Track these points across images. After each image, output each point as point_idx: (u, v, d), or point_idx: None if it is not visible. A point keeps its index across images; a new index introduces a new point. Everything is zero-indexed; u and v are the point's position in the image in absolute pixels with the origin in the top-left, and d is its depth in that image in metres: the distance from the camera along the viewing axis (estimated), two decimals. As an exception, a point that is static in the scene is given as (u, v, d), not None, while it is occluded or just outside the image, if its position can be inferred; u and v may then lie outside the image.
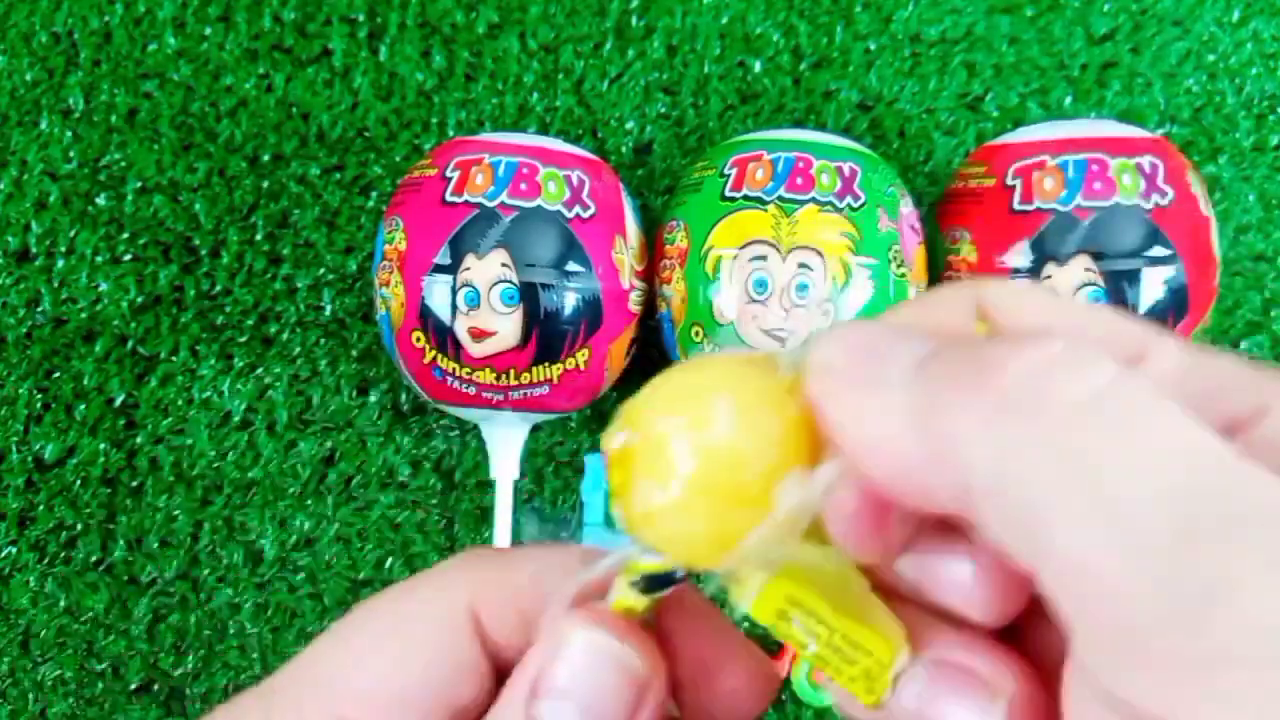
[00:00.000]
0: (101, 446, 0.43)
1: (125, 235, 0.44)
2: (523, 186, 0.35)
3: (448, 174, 0.36)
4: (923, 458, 0.13)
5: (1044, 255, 0.35)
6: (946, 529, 0.15)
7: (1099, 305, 0.16)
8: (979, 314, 0.16)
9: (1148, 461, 0.12)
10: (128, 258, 0.44)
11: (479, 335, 0.35)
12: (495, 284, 0.35)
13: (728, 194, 0.35)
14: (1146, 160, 0.35)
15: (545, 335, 0.35)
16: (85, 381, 0.43)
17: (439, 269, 0.35)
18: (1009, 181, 0.36)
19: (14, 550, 0.42)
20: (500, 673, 0.18)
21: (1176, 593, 0.12)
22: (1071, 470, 0.12)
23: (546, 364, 0.35)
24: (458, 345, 0.35)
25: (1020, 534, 0.13)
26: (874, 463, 0.14)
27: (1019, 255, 0.35)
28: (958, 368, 0.13)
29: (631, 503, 0.16)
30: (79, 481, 0.43)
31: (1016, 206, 0.35)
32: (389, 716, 0.17)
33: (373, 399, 0.43)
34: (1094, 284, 0.34)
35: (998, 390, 0.13)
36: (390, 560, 0.42)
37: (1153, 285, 0.34)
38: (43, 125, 0.45)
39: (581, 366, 0.36)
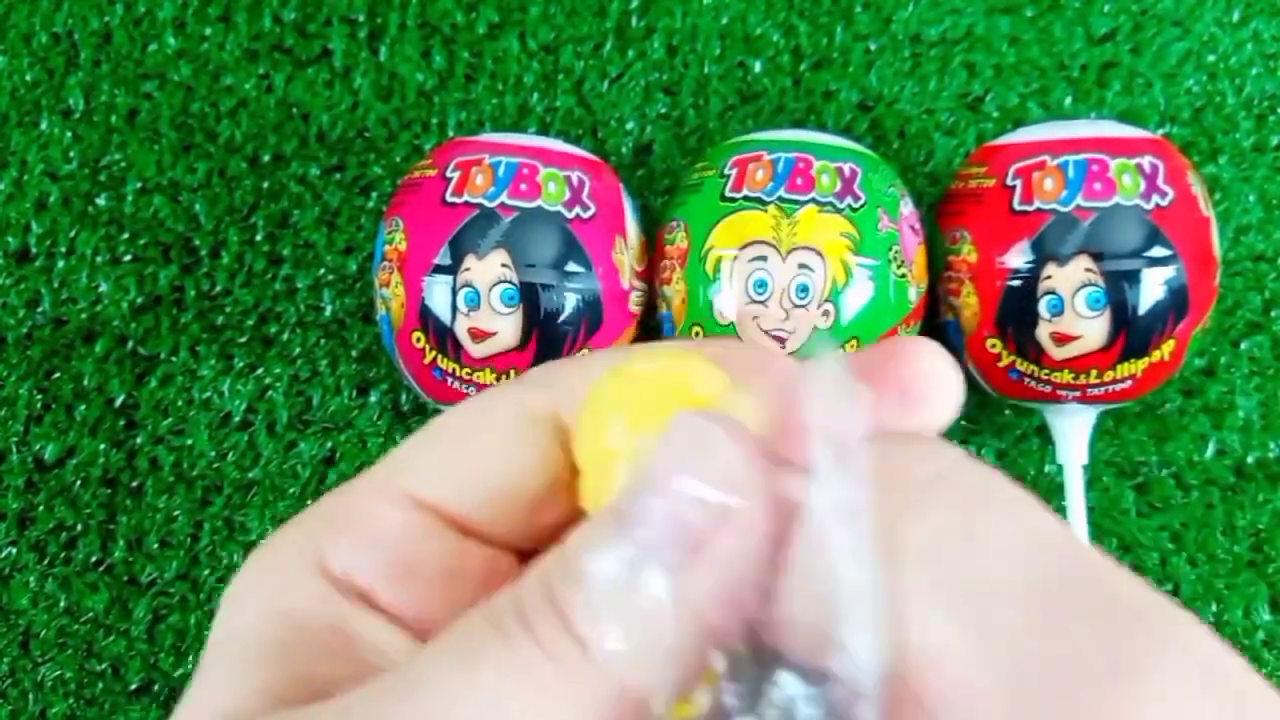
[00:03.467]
0: (101, 447, 0.43)
1: (125, 236, 0.44)
2: (523, 187, 0.35)
3: (448, 174, 0.36)
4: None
5: (1044, 255, 0.35)
6: None
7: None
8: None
9: (1003, 547, 0.13)
10: (128, 258, 0.44)
11: (479, 336, 0.35)
12: (495, 284, 0.35)
13: (728, 194, 0.35)
14: (1147, 160, 0.35)
15: (545, 336, 0.35)
16: (85, 382, 0.43)
17: (439, 269, 0.35)
18: (1009, 182, 0.36)
19: (14, 550, 0.42)
20: None
21: (1036, 686, 0.12)
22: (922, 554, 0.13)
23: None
24: (458, 346, 0.35)
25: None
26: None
27: (1019, 255, 0.35)
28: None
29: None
30: (79, 482, 0.43)
31: (1017, 207, 0.35)
32: (460, 495, 0.17)
33: (373, 399, 0.43)
34: (1094, 284, 0.34)
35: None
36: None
37: (1153, 286, 0.34)
38: (43, 125, 0.45)
39: (581, 367, 0.36)
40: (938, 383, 0.17)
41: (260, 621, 0.17)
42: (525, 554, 0.18)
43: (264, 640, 0.16)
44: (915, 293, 0.36)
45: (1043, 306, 0.35)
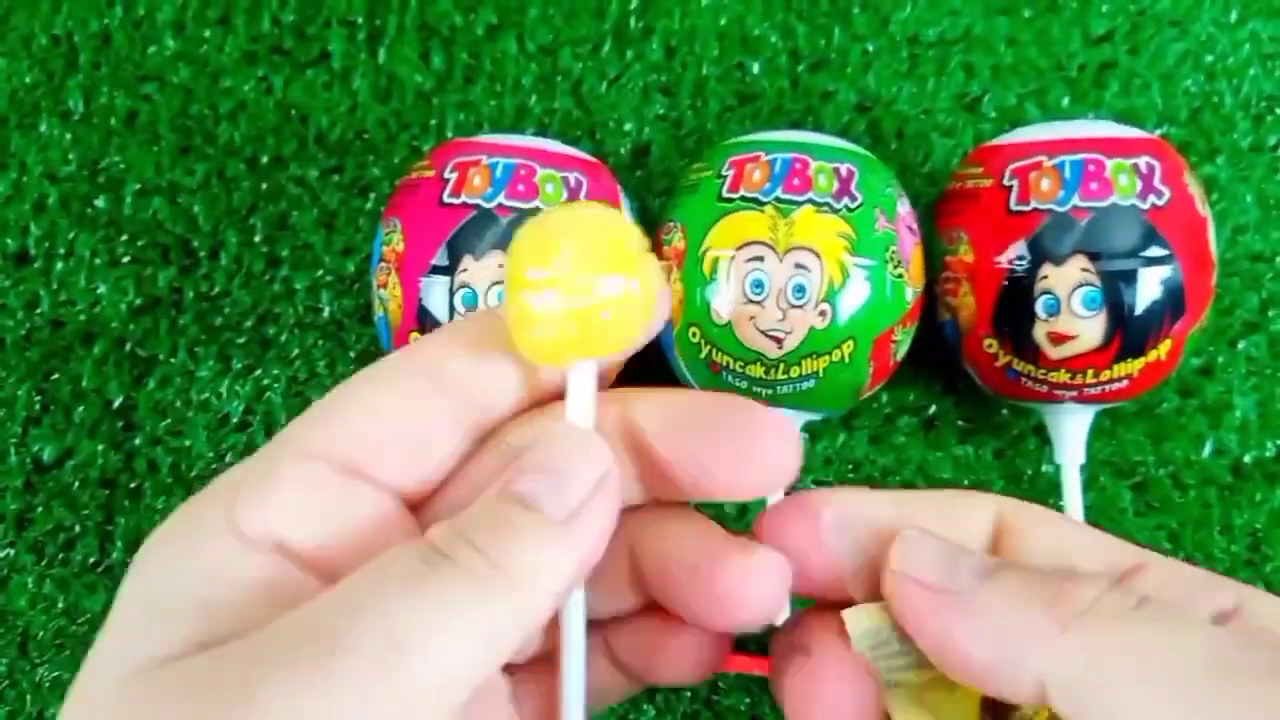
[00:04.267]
0: (100, 448, 0.43)
1: (124, 237, 0.44)
2: (520, 188, 0.35)
3: (445, 175, 0.36)
4: (1001, 661, 0.18)
5: (1041, 255, 0.35)
6: None
7: (1098, 534, 0.20)
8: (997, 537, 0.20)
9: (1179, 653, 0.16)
10: (126, 260, 0.44)
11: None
12: (493, 285, 0.35)
13: (725, 195, 0.35)
14: (1143, 161, 0.35)
15: (543, 336, 0.35)
16: (83, 383, 0.43)
17: (436, 270, 0.35)
18: (1006, 182, 0.36)
19: (12, 552, 0.42)
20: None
21: None
22: (1136, 666, 0.16)
23: (544, 365, 0.35)
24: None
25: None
26: (961, 667, 0.18)
27: (1016, 255, 0.35)
28: (1036, 592, 0.18)
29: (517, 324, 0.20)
30: (77, 483, 0.43)
31: (1013, 207, 0.35)
32: (354, 446, 0.19)
33: (371, 400, 0.43)
34: (1090, 284, 0.34)
35: (1070, 613, 0.17)
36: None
37: (1149, 285, 0.34)
38: (42, 128, 0.45)
39: (579, 367, 0.36)
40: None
41: (178, 577, 0.18)
42: (411, 500, 0.21)
43: (185, 593, 0.18)
44: (912, 293, 0.36)
45: (1039, 306, 0.35)
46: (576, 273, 0.19)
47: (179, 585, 0.18)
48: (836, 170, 0.35)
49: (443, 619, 0.17)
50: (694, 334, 0.36)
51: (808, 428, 0.42)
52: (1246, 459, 0.42)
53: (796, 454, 0.20)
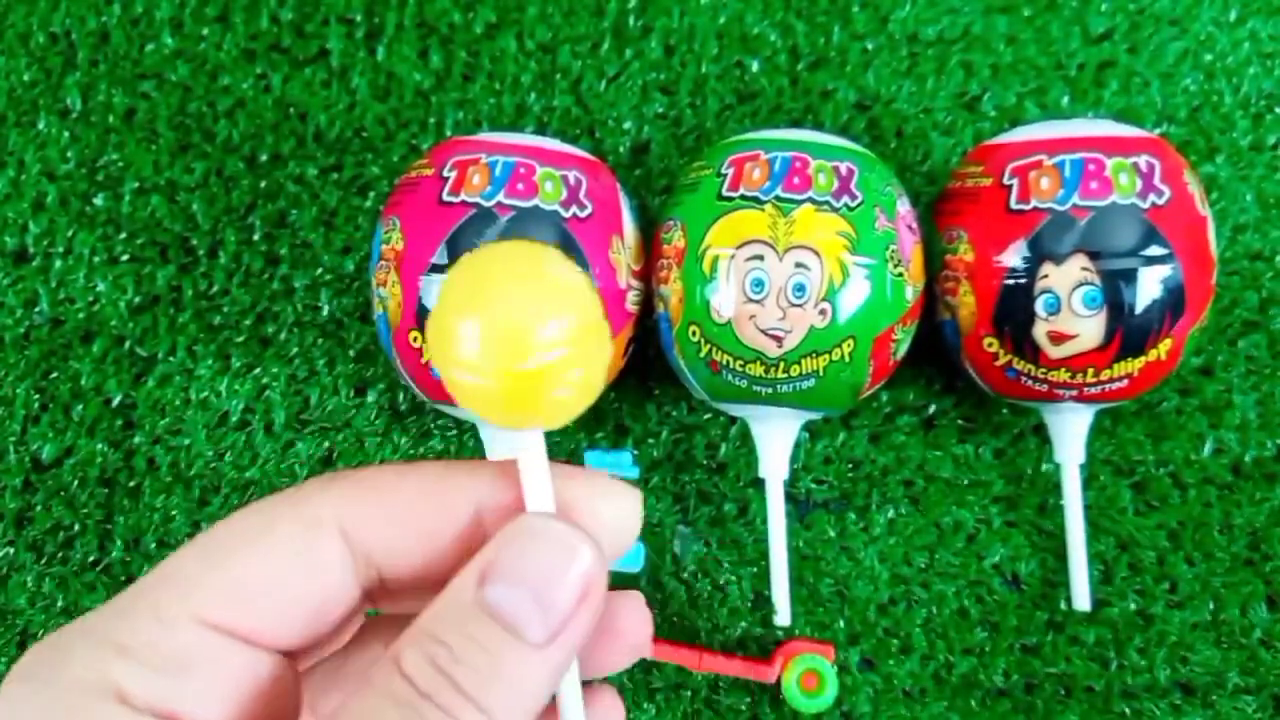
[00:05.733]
0: (99, 447, 0.43)
1: (123, 235, 0.44)
2: (520, 186, 0.35)
3: (445, 174, 0.36)
4: None
5: (1041, 254, 0.35)
6: None
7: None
8: None
9: None
10: (125, 258, 0.44)
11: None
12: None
13: (724, 194, 0.35)
14: (1143, 159, 0.35)
15: (542, 335, 0.35)
16: (83, 382, 0.43)
17: (436, 269, 0.35)
18: (1005, 181, 0.36)
19: (11, 550, 0.42)
20: (388, 589, 0.20)
21: None
22: None
23: (543, 364, 0.35)
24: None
25: None
26: None
27: (1016, 254, 0.35)
28: None
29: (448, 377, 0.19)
30: (76, 482, 0.43)
31: (1013, 206, 0.35)
32: (250, 614, 0.18)
33: (370, 399, 0.43)
34: (1091, 283, 0.34)
35: None
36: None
37: (1149, 284, 0.34)
38: (40, 125, 0.45)
39: (578, 366, 0.36)
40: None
41: None
42: (291, 652, 0.19)
43: None
44: (912, 292, 0.36)
45: (1039, 305, 0.35)
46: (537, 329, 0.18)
47: None
48: (836, 169, 0.35)
49: None
50: (694, 332, 0.36)
51: (808, 426, 0.42)
52: (1246, 458, 0.42)
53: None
